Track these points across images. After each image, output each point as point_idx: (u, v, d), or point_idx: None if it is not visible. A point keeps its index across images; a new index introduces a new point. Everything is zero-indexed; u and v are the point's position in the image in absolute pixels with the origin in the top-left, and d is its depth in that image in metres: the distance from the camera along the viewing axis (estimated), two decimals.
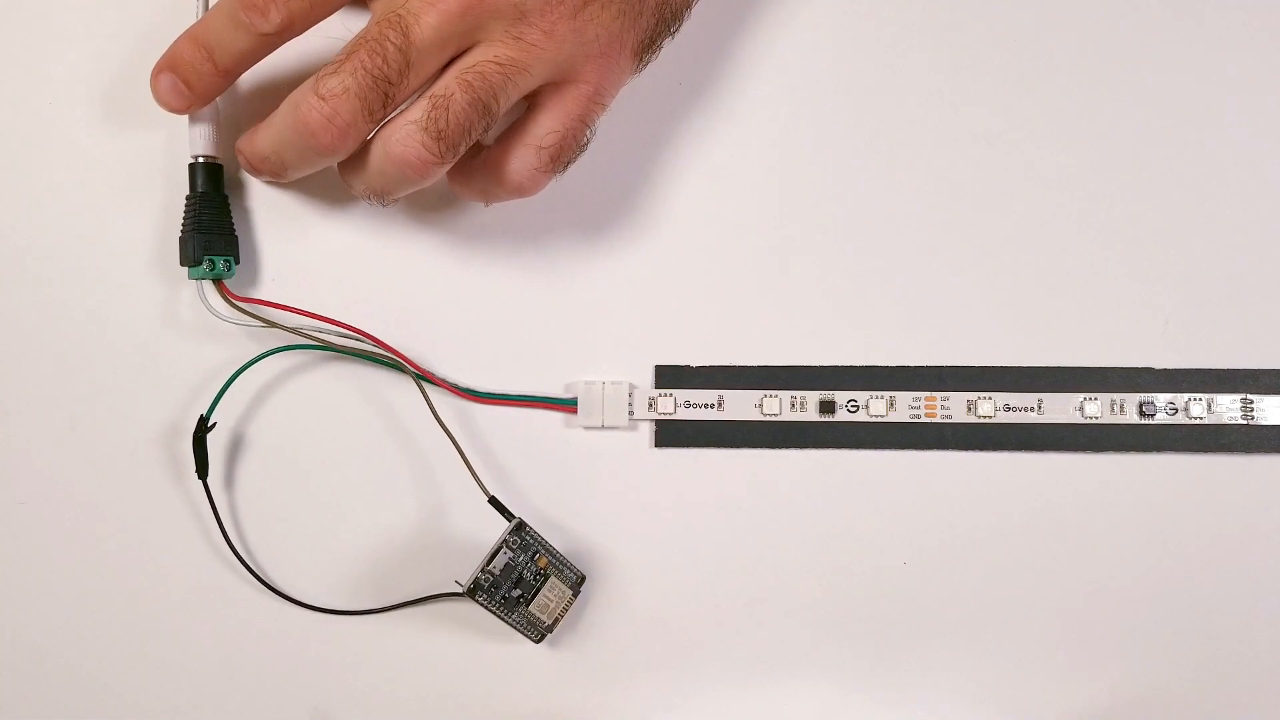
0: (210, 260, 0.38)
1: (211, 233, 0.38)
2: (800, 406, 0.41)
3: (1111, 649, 0.41)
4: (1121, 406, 0.41)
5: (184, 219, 0.39)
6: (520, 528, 0.38)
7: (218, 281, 0.39)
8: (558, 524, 0.40)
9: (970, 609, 0.41)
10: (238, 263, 0.39)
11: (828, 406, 0.41)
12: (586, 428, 0.41)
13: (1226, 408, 0.41)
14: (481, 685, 0.41)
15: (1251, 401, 0.41)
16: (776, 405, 0.41)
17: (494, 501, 0.39)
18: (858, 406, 0.41)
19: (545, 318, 0.41)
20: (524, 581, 0.38)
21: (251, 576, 0.40)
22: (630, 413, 0.41)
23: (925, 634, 0.41)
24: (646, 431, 0.41)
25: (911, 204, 0.41)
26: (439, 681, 0.41)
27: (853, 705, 0.41)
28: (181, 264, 0.39)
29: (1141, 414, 0.41)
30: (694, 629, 0.41)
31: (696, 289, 0.41)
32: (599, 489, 0.41)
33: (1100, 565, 0.41)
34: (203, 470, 0.39)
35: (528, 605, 0.38)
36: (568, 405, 0.41)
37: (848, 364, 0.41)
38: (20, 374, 0.40)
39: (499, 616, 0.38)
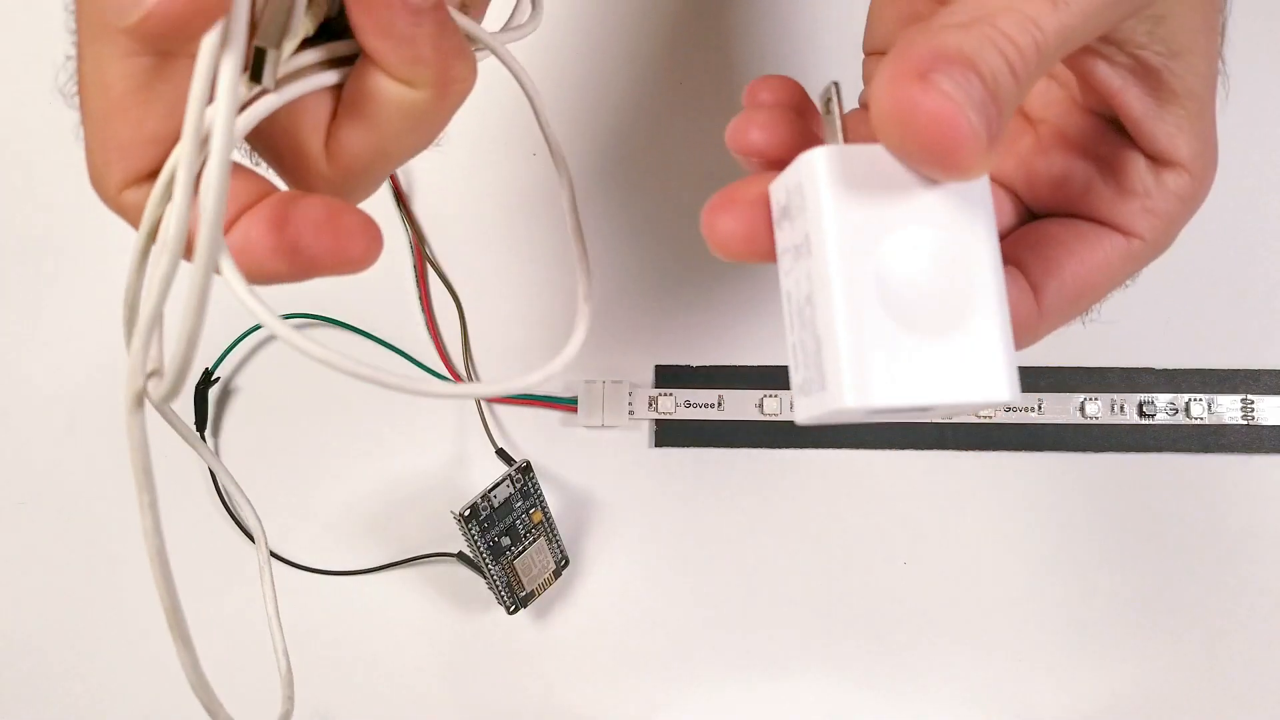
0: None
1: None
2: None
3: (1111, 649, 0.41)
4: (1121, 406, 0.41)
5: None
6: (527, 469, 0.38)
7: None
8: (557, 522, 0.40)
9: (970, 609, 0.41)
10: None
11: None
12: (587, 427, 0.41)
13: (1226, 408, 0.41)
14: (482, 686, 0.41)
15: (1251, 401, 0.41)
16: (776, 405, 0.41)
17: (500, 453, 0.39)
18: None
19: (546, 317, 0.41)
20: (514, 532, 0.38)
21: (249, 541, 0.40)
22: (630, 412, 0.41)
23: (925, 634, 0.41)
24: (646, 431, 0.41)
25: None
26: (436, 683, 0.41)
27: (853, 705, 0.41)
28: None
29: (1141, 414, 0.41)
30: (694, 629, 0.41)
31: (696, 289, 0.41)
32: (599, 488, 0.41)
33: (1100, 565, 0.41)
34: (202, 424, 0.40)
35: (513, 560, 0.38)
36: (568, 404, 0.41)
37: None
38: (20, 374, 0.40)
39: (482, 566, 0.37)
